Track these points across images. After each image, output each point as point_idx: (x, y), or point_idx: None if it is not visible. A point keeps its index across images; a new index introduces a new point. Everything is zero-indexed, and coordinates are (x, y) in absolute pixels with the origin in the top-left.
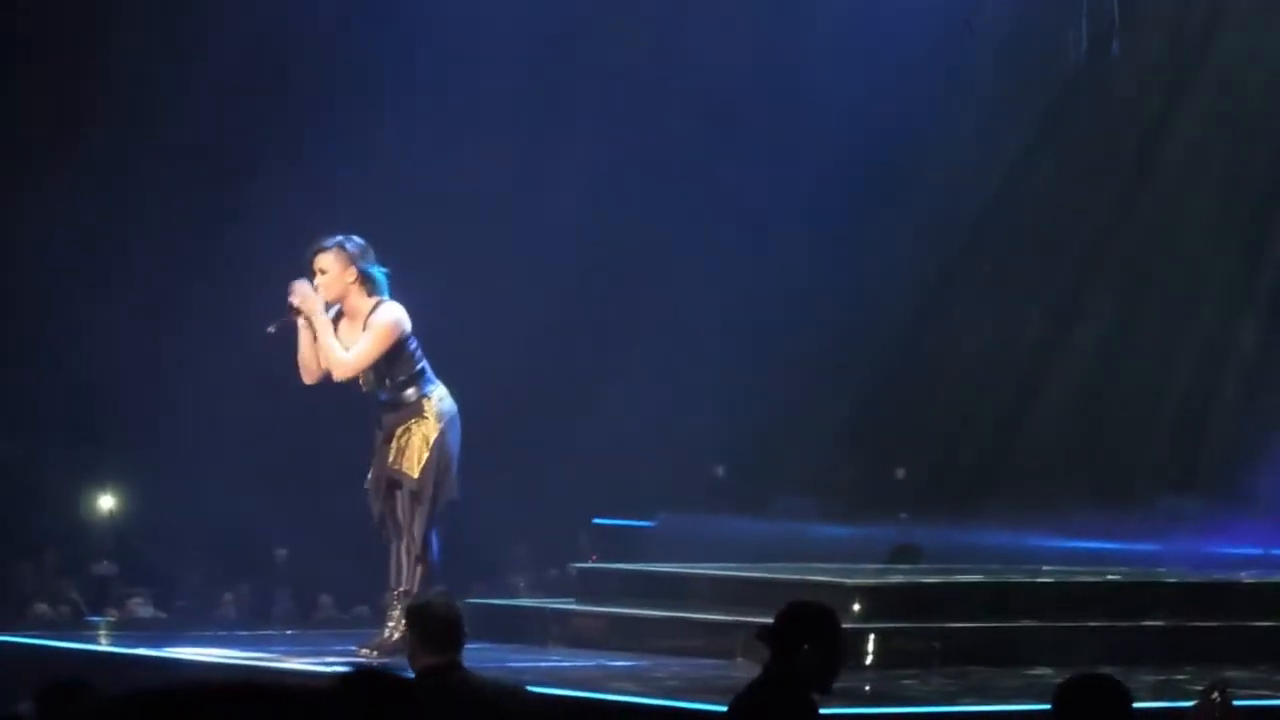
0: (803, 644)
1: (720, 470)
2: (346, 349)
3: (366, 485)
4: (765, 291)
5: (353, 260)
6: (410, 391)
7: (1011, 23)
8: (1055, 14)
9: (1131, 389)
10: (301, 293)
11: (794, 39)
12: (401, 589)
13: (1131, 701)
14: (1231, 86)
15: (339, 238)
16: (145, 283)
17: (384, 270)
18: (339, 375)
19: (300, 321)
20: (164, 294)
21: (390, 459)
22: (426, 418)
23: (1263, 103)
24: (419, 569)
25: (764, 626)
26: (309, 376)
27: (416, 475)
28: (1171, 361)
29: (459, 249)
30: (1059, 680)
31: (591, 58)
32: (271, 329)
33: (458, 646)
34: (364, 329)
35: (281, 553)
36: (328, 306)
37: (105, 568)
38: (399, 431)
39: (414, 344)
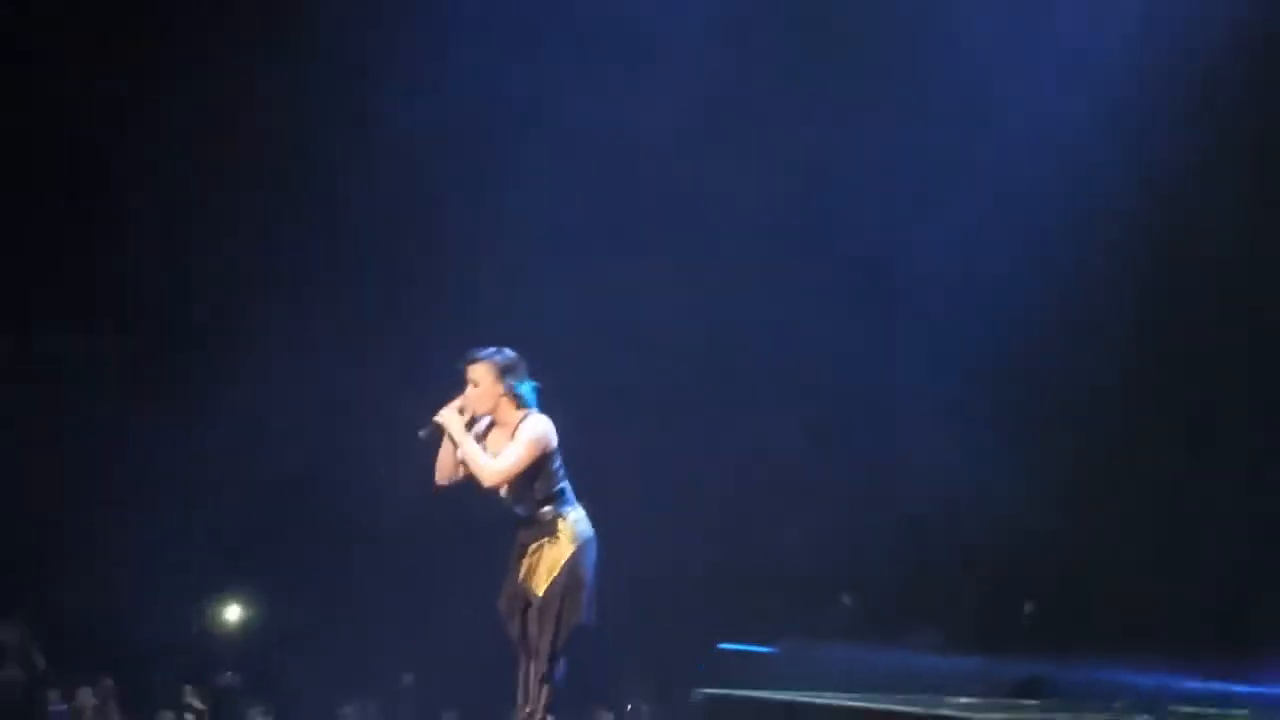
0: None
1: (847, 599)
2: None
3: (499, 602)
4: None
5: (504, 373)
6: (547, 509)
7: None
8: None
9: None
10: (445, 415)
11: None
12: (528, 709)
13: None
14: None
15: (492, 350)
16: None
17: (534, 385)
18: (488, 482)
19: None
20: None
21: (521, 576)
22: (560, 538)
23: None
24: (544, 690)
25: None
26: (441, 477)
27: (542, 594)
28: None
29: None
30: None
31: None
32: (422, 433)
33: None
34: (512, 440)
35: (408, 678)
36: (476, 419)
37: (228, 679)
38: (532, 548)
39: (558, 462)
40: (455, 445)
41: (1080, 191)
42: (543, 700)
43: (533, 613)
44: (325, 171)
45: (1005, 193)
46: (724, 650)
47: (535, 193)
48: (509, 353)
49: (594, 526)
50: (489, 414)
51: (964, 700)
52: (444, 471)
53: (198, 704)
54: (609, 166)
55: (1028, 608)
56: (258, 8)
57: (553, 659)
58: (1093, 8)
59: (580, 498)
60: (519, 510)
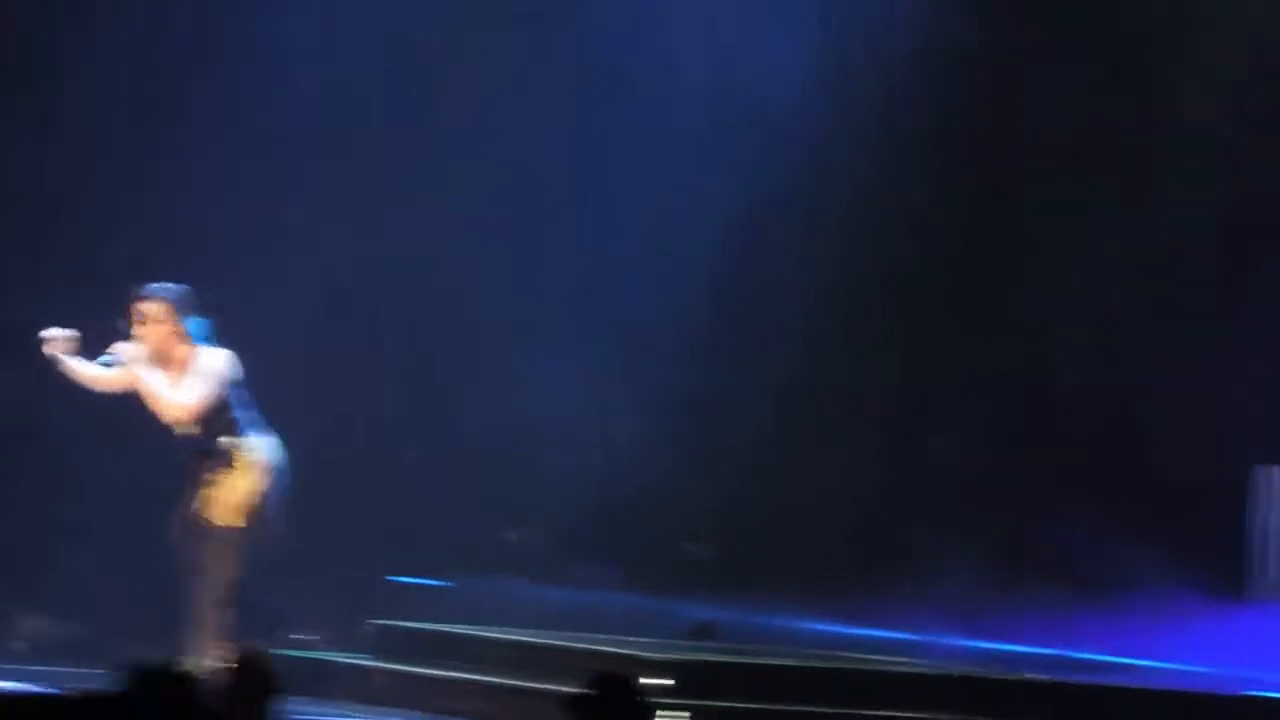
0: (610, 716)
1: (514, 535)
2: None
3: (170, 530)
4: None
5: (176, 309)
6: (225, 440)
7: None
8: None
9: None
10: (126, 346)
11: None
12: (198, 634)
13: None
14: None
15: (158, 286)
16: None
17: (205, 320)
18: (172, 415)
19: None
20: None
21: (196, 504)
22: (238, 468)
23: None
24: (216, 618)
25: (574, 696)
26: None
27: (225, 523)
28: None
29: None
30: None
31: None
32: (105, 360)
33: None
34: (187, 375)
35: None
36: (148, 355)
37: None
38: (209, 478)
39: (235, 392)
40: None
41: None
42: (213, 628)
43: (211, 542)
44: None
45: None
46: (395, 582)
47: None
48: (181, 288)
49: (275, 455)
50: (159, 349)
51: (636, 640)
52: (114, 384)
53: None
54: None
55: (694, 548)
56: None
57: (227, 588)
58: None
59: (259, 427)
60: (196, 441)
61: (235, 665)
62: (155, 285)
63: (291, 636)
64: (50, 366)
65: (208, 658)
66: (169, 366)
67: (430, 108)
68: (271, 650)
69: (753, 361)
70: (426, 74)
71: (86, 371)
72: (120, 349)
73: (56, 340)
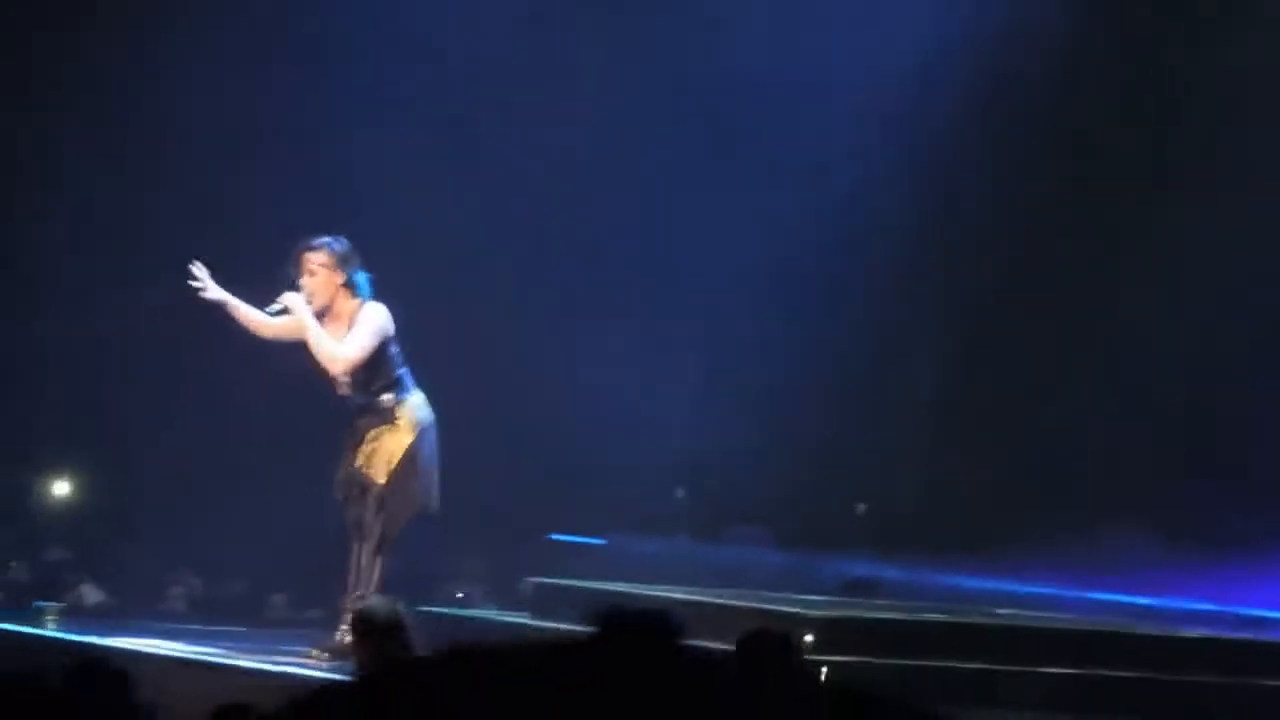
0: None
1: (680, 492)
2: None
3: (334, 488)
4: (733, 319)
5: (341, 263)
6: (387, 397)
7: None
8: None
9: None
10: (293, 297)
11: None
12: (358, 593)
13: None
14: None
15: (327, 239)
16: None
17: (368, 275)
18: (336, 369)
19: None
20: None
21: (359, 462)
22: (399, 424)
23: None
24: (378, 576)
25: (725, 652)
26: (267, 331)
27: (384, 481)
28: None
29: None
30: None
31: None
32: (271, 310)
33: (406, 652)
34: (349, 329)
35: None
36: (314, 307)
37: (56, 554)
38: (370, 435)
39: (395, 349)
40: (301, 328)
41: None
42: (374, 585)
43: (370, 499)
44: None
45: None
46: (554, 540)
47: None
48: (344, 241)
49: (433, 411)
50: (325, 303)
51: (795, 597)
52: (276, 330)
53: (24, 579)
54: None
55: (860, 508)
56: None
57: (385, 545)
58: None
59: (419, 384)
60: (357, 398)
61: (366, 619)
62: (323, 237)
63: (452, 593)
64: (216, 308)
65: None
66: (333, 319)
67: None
68: (429, 608)
69: (907, 329)
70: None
71: (254, 316)
72: (287, 299)
73: (201, 276)
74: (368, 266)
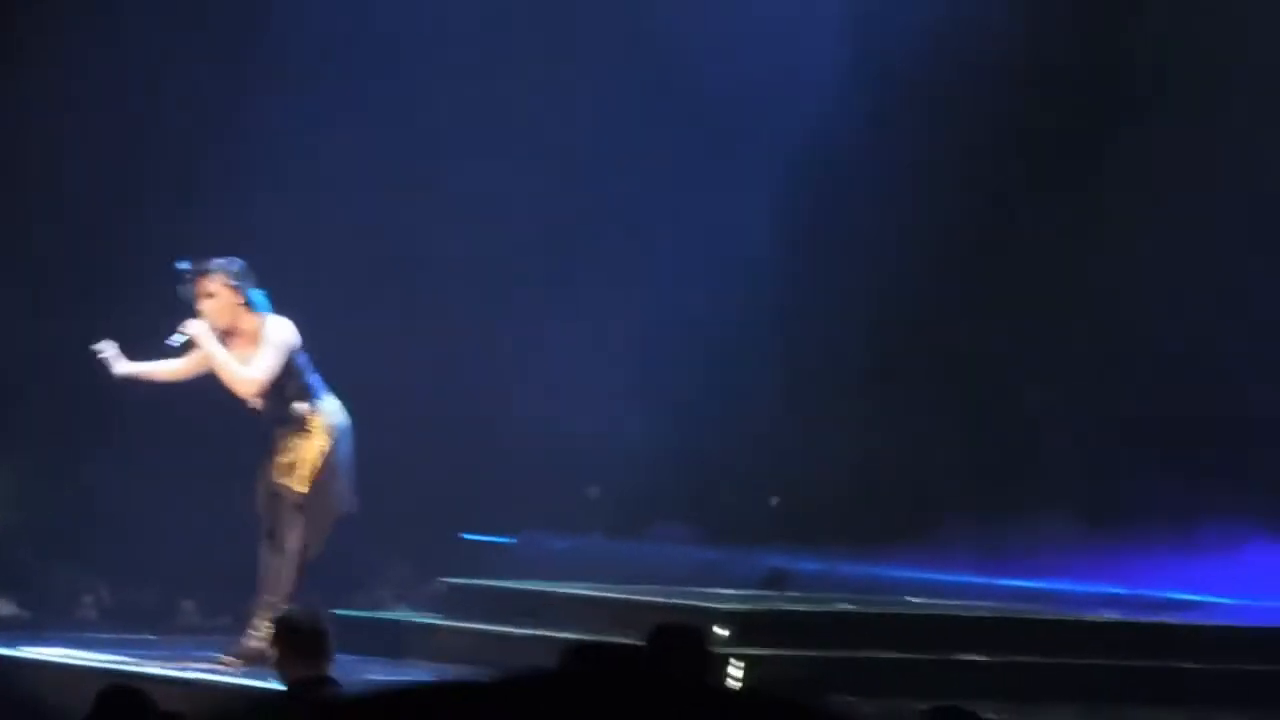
0: (674, 666)
1: (594, 490)
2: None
3: (257, 501)
4: (647, 312)
5: (238, 282)
6: (300, 405)
7: None
8: None
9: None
10: (195, 325)
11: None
12: (270, 598)
13: None
14: None
15: (220, 260)
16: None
17: (261, 289)
18: (248, 391)
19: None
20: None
21: (277, 474)
22: (313, 431)
23: None
24: (292, 580)
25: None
26: (182, 374)
27: (301, 489)
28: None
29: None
30: (921, 709)
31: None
32: (174, 341)
33: (327, 659)
34: (256, 346)
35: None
36: (215, 330)
37: None
38: (286, 446)
39: (302, 358)
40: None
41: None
42: (285, 589)
43: (288, 509)
44: None
45: None
46: (467, 539)
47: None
48: (238, 261)
49: (344, 417)
50: (227, 324)
51: (706, 591)
52: (188, 369)
53: None
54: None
55: (774, 500)
56: None
57: (307, 553)
58: None
59: (326, 390)
60: (270, 411)
61: (290, 627)
62: (216, 259)
63: (365, 596)
64: (125, 381)
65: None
66: (236, 338)
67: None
68: (343, 611)
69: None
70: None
71: (159, 369)
72: (190, 327)
73: (108, 354)
74: (268, 279)
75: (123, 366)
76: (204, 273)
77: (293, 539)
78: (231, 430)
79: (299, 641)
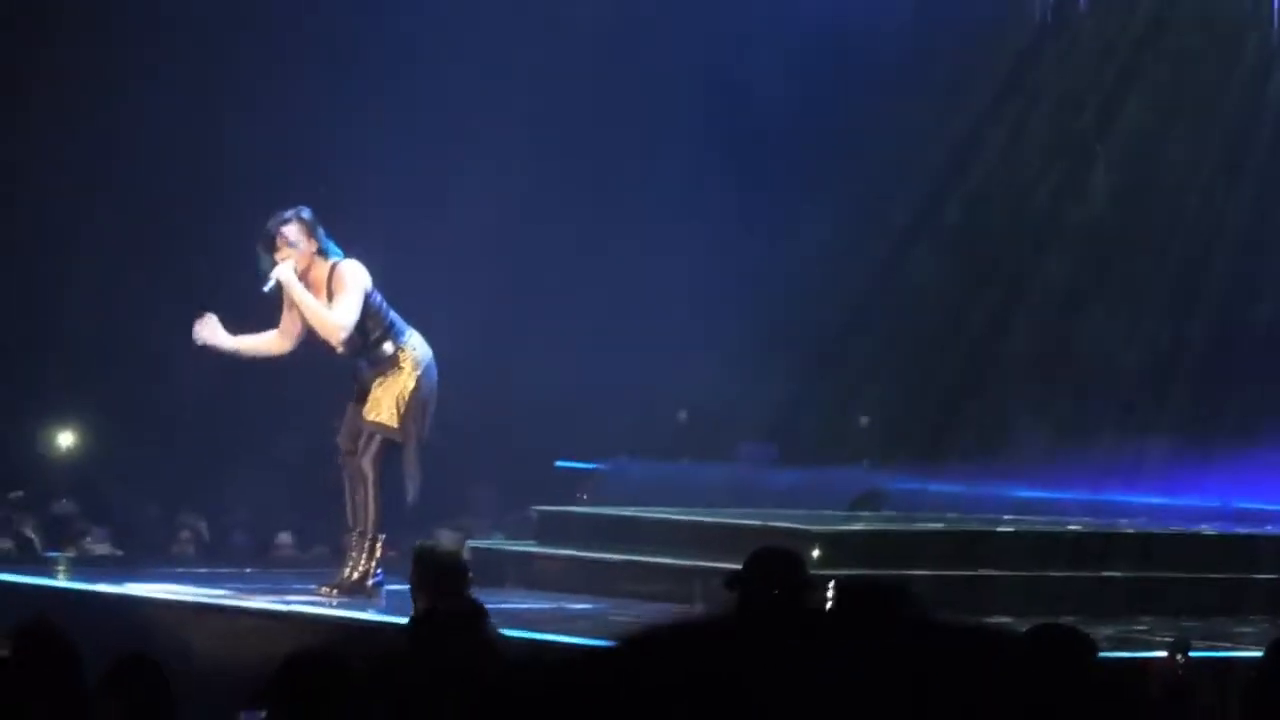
0: (771, 590)
1: (683, 415)
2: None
3: (339, 437)
4: (729, 242)
5: (312, 230)
6: (386, 345)
7: None
8: None
9: (1095, 334)
10: (284, 271)
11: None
12: (358, 530)
13: (1096, 652)
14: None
15: (289, 212)
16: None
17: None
18: (337, 336)
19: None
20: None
21: (366, 410)
22: (403, 368)
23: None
24: (381, 512)
25: (733, 573)
26: (287, 341)
27: (394, 425)
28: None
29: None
30: (1022, 629)
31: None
32: (267, 288)
33: (463, 589)
34: (329, 291)
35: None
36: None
37: (64, 506)
38: (376, 384)
39: (378, 297)
40: (294, 303)
41: None
42: (375, 520)
43: (377, 445)
44: None
45: None
46: (560, 468)
47: None
48: (309, 209)
49: (429, 350)
50: (303, 271)
51: (799, 513)
52: (289, 334)
53: (28, 533)
54: None
55: (864, 421)
56: None
57: (379, 482)
58: None
59: (408, 325)
60: (357, 354)
61: (426, 558)
62: (285, 211)
63: (459, 525)
64: (230, 359)
65: (376, 555)
66: (314, 287)
67: None
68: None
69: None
70: None
71: (258, 343)
72: (278, 272)
73: (207, 329)
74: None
75: (226, 342)
76: (279, 225)
77: (376, 472)
78: (316, 364)
79: (429, 572)
